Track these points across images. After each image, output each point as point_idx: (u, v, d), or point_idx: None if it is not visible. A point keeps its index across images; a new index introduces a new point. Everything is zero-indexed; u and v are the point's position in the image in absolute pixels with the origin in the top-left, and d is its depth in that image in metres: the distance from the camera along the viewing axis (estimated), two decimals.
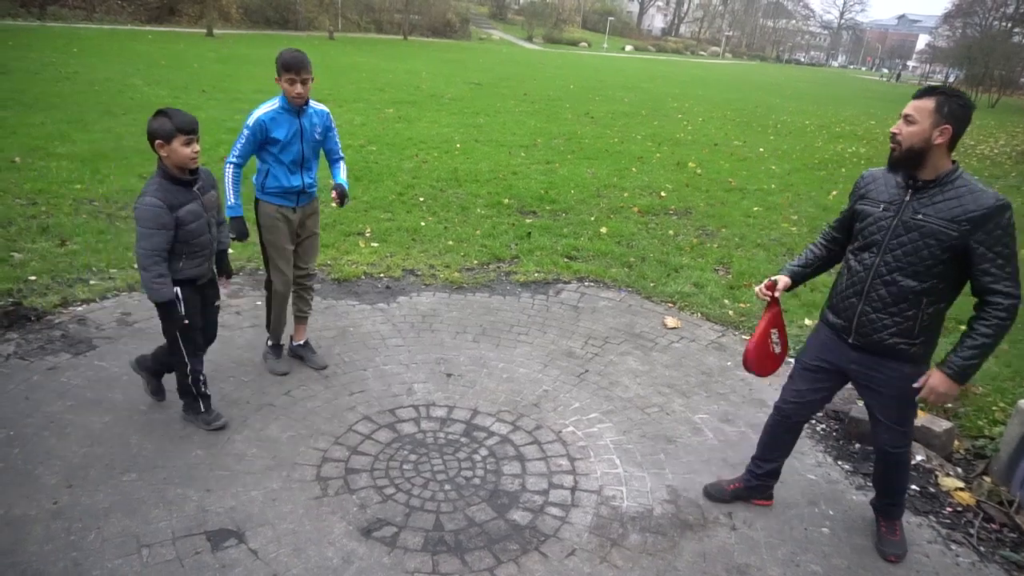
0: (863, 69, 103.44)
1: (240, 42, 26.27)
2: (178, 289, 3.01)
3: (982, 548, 2.97)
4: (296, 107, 3.52)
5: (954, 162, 2.39)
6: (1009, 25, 38.14)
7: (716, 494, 3.11)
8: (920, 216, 2.37)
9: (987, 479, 3.38)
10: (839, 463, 3.49)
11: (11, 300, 4.37)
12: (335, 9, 37.95)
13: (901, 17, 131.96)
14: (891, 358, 2.54)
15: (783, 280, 2.79)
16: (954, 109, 2.30)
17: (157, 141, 2.80)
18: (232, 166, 3.53)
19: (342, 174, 3.94)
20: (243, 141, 3.48)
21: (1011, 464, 3.29)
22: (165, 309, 2.97)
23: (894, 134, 2.39)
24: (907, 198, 2.42)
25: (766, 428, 3.02)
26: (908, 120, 2.35)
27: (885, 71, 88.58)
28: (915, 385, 2.50)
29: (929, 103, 2.32)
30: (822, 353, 2.76)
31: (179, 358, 3.17)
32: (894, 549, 2.84)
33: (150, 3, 31.00)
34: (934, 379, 2.43)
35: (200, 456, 3.12)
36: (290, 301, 3.95)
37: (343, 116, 12.49)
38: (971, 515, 3.17)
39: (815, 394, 2.84)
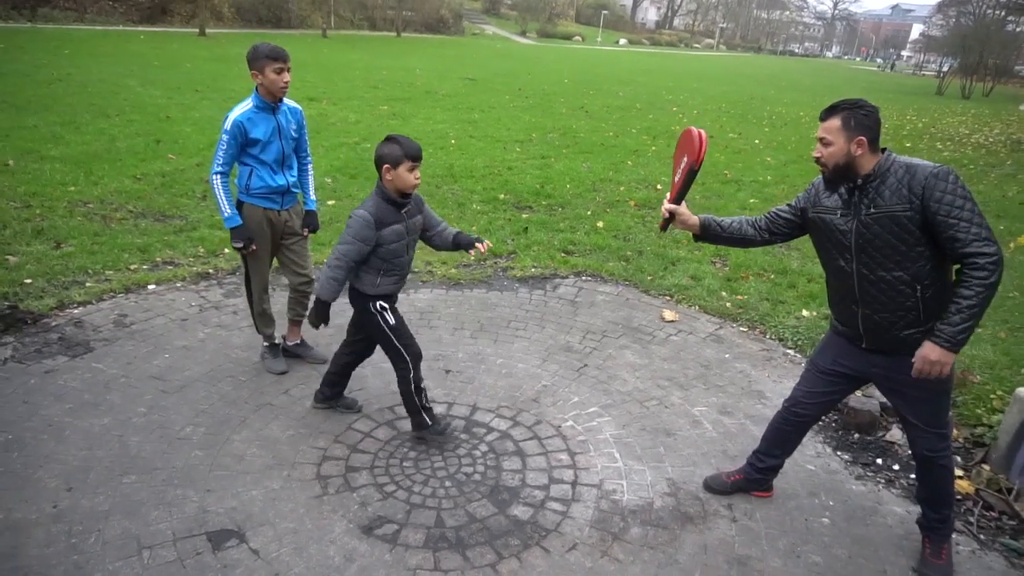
0: (857, 59, 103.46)
1: (233, 41, 26.15)
2: (380, 302, 3.13)
3: (982, 536, 2.97)
4: (272, 103, 3.49)
5: (884, 150, 2.42)
6: (1003, 14, 38.08)
7: (716, 486, 3.11)
8: (874, 209, 2.38)
9: (986, 467, 3.39)
10: (838, 453, 3.50)
11: (7, 304, 4.35)
12: (328, 7, 37.82)
13: (895, 7, 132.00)
14: (909, 353, 2.47)
15: (687, 214, 2.73)
16: (860, 119, 2.37)
17: (385, 165, 2.92)
18: (219, 175, 3.47)
19: (312, 191, 3.90)
20: (224, 147, 3.44)
21: (1010, 452, 3.30)
22: (320, 307, 3.08)
23: (818, 158, 2.46)
24: (855, 199, 2.44)
25: (773, 424, 3.00)
26: (824, 143, 2.43)
27: (879, 61, 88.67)
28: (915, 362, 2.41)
29: (836, 122, 2.39)
30: (840, 358, 2.72)
31: (405, 368, 3.19)
32: (937, 574, 2.70)
33: (142, 3, 30.85)
34: (925, 349, 2.37)
35: (199, 457, 3.12)
36: (272, 304, 3.93)
37: (337, 114, 12.46)
38: (970, 503, 3.18)
39: (828, 396, 2.81)
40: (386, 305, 3.14)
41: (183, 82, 14.77)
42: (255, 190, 3.57)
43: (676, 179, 2.70)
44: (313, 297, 3.09)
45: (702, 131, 2.58)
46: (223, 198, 3.48)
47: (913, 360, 2.41)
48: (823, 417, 3.77)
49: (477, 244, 3.23)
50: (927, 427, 2.59)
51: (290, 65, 3.47)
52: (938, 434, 2.60)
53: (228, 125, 3.41)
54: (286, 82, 3.45)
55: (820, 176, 2.59)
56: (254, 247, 3.63)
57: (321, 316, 3.11)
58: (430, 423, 3.30)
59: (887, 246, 2.38)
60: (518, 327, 4.65)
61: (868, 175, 2.40)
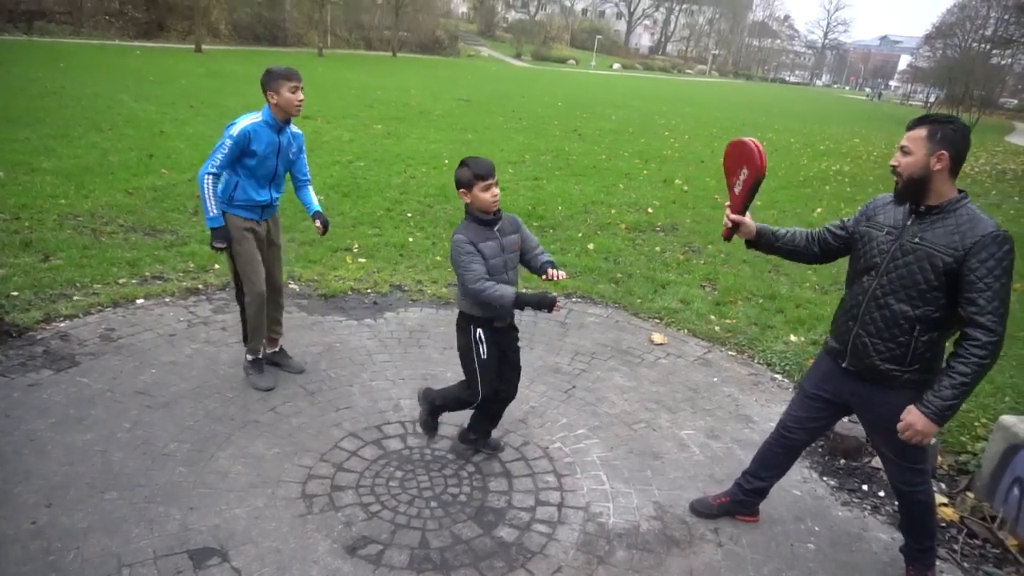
0: (846, 88, 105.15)
1: (229, 58, 26.31)
2: (480, 331, 3.08)
3: (966, 564, 2.98)
4: (281, 123, 3.59)
5: (961, 191, 2.38)
6: (988, 47, 38.95)
7: (702, 509, 3.11)
8: (918, 240, 2.36)
9: (970, 495, 3.41)
10: (824, 479, 3.51)
11: None
12: (324, 26, 38.11)
13: (883, 38, 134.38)
14: (885, 386, 2.50)
15: (750, 224, 2.74)
16: (947, 134, 2.31)
17: (460, 190, 2.98)
18: (211, 176, 3.50)
19: (315, 199, 4.00)
20: (225, 151, 3.48)
21: (993, 480, 3.32)
22: (520, 302, 2.95)
23: (894, 167, 2.41)
24: (908, 222, 2.42)
25: (764, 445, 3.01)
26: (904, 151, 2.37)
27: (868, 90, 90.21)
28: (899, 425, 2.42)
29: (922, 131, 2.34)
30: (823, 382, 2.74)
31: (470, 398, 3.22)
32: None
33: (138, 19, 31.03)
34: (912, 416, 2.36)
35: (183, 474, 3.09)
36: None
37: (332, 132, 12.51)
38: (955, 531, 3.19)
39: (814, 422, 2.82)
40: (484, 338, 3.09)
41: (178, 97, 14.82)
42: (238, 201, 3.63)
43: (737, 190, 2.70)
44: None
45: (756, 141, 2.57)
46: (210, 197, 3.51)
47: (898, 425, 2.41)
48: (812, 443, 3.78)
49: (549, 269, 3.10)
50: (900, 460, 2.60)
51: (303, 85, 3.58)
52: (913, 468, 2.60)
53: (235, 131, 3.47)
54: (301, 100, 3.56)
55: (880, 196, 2.57)
56: (237, 249, 3.68)
57: (528, 302, 2.97)
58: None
59: (909, 277, 2.37)
60: None
61: (934, 206, 2.36)
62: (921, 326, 2.38)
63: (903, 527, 2.80)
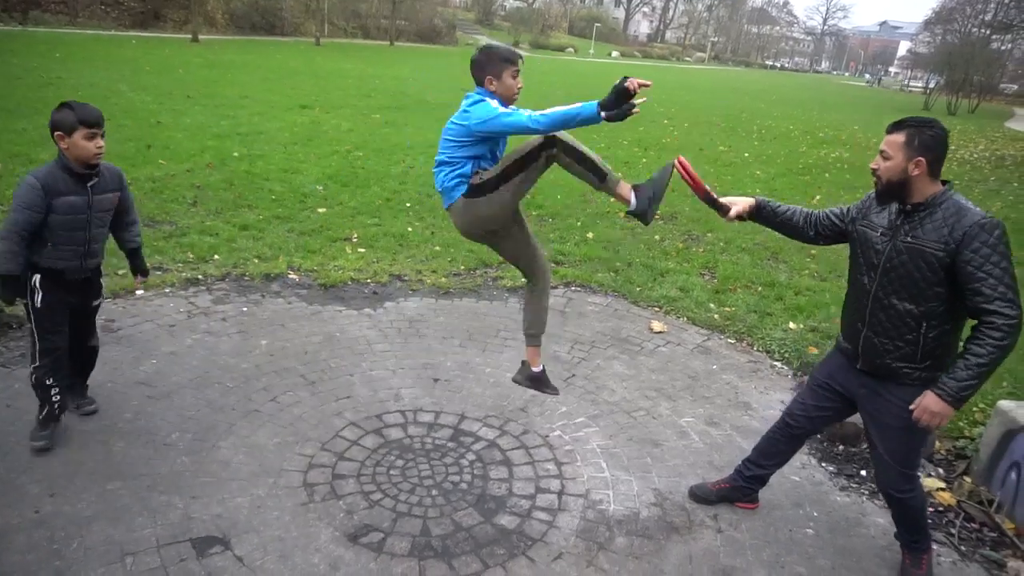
0: (846, 75, 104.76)
1: (226, 48, 26.17)
2: (37, 277, 2.93)
3: (963, 547, 3.01)
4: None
5: (946, 182, 2.38)
6: (988, 32, 38.72)
7: (701, 495, 3.13)
8: (911, 239, 2.37)
9: (967, 479, 3.43)
10: (823, 465, 3.53)
11: None
12: (321, 15, 37.87)
13: (883, 23, 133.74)
14: (896, 383, 2.50)
15: (741, 200, 2.84)
16: (925, 140, 2.31)
17: (57, 133, 2.76)
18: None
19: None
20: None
21: (991, 464, 3.34)
22: (5, 284, 2.88)
23: (874, 169, 2.43)
24: (899, 222, 2.43)
25: (767, 433, 3.02)
26: (884, 155, 2.39)
27: (868, 76, 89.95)
28: (911, 406, 2.42)
29: (900, 137, 2.35)
30: (835, 373, 2.75)
31: (33, 350, 3.03)
32: None
33: (135, 8, 30.78)
34: (927, 399, 2.36)
35: (185, 463, 3.10)
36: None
37: (330, 122, 12.46)
38: (952, 515, 3.21)
39: (820, 411, 2.83)
40: (40, 285, 2.92)
41: (175, 87, 14.74)
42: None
43: (706, 187, 2.86)
44: None
45: (681, 161, 2.82)
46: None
47: (912, 407, 2.41)
48: (815, 434, 3.80)
49: (140, 277, 3.36)
50: (894, 462, 2.59)
51: None
52: (904, 474, 2.60)
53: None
54: None
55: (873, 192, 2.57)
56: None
57: (15, 295, 2.93)
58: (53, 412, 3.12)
59: (907, 276, 2.38)
60: (507, 336, 4.66)
61: (919, 204, 2.37)
62: (927, 322, 2.38)
63: (896, 523, 2.82)
